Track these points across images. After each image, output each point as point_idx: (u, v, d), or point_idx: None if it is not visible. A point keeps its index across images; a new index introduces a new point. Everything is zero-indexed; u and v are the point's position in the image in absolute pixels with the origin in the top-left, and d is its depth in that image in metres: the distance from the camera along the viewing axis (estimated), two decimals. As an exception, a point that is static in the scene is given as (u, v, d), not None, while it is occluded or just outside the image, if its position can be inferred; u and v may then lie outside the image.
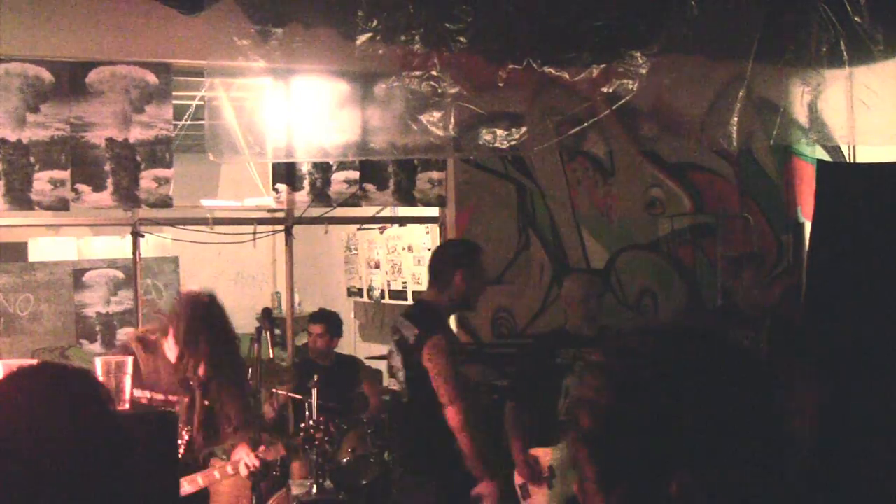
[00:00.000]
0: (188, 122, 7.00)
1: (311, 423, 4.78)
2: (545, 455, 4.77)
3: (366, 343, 9.70)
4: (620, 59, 5.55)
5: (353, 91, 6.11)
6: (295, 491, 5.33)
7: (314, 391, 5.35)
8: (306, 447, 4.72)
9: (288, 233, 6.45)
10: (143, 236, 6.01)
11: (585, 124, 5.91)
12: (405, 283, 8.40)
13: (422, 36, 5.34)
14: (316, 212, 6.47)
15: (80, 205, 5.70)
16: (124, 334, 5.83)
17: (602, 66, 5.62)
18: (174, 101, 5.99)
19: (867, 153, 6.72)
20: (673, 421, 1.19)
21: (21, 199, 5.56)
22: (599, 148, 6.71)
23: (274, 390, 5.92)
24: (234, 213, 6.88)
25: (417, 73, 5.63)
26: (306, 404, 5.50)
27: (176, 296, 4.22)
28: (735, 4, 5.57)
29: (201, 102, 6.33)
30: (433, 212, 6.87)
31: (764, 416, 1.22)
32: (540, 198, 6.78)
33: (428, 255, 7.91)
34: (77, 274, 6.31)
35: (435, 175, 6.62)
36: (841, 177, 6.45)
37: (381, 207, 6.92)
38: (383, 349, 8.32)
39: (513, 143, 5.81)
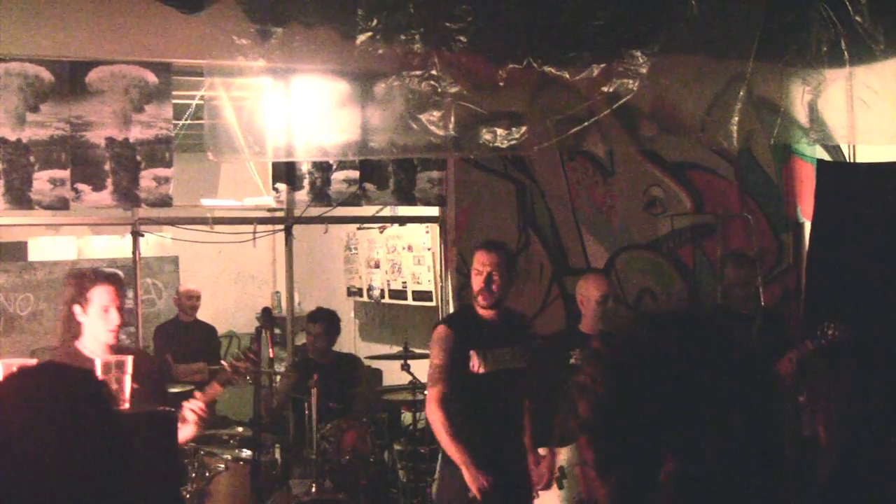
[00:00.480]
0: (188, 122, 7.00)
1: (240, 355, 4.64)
2: (554, 455, 4.74)
3: (366, 343, 9.70)
4: (621, 58, 5.56)
5: (353, 90, 6.11)
6: (295, 490, 5.33)
7: (314, 390, 5.34)
8: (236, 376, 4.63)
9: (288, 232, 6.45)
10: (142, 236, 6.01)
11: (585, 124, 5.91)
12: (405, 282, 8.40)
13: (422, 35, 5.34)
14: (316, 211, 6.47)
15: (79, 204, 5.70)
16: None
17: (602, 65, 5.62)
18: (174, 101, 5.99)
19: (867, 153, 6.72)
20: (665, 409, 1.20)
21: (21, 198, 5.56)
22: (599, 147, 6.71)
23: (274, 385, 5.92)
24: (233, 213, 6.88)
25: (417, 72, 5.63)
26: (306, 403, 5.50)
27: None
28: (735, 4, 5.57)
29: (201, 102, 6.33)
30: (433, 211, 6.87)
31: (757, 406, 1.23)
32: (540, 197, 6.78)
33: (427, 255, 7.96)
34: (77, 273, 6.32)
35: (435, 174, 6.62)
36: (841, 177, 6.46)
37: (380, 207, 6.92)
38: (383, 349, 8.34)
39: (513, 142, 5.81)
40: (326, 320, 6.58)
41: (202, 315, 8.08)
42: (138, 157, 5.77)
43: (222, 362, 4.55)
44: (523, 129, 5.82)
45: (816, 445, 5.35)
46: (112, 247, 8.04)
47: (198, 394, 4.20)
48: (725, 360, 1.24)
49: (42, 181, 5.58)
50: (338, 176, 6.40)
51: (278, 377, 6.17)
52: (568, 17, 5.41)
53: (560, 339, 5.14)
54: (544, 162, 6.72)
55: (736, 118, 5.83)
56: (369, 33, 5.33)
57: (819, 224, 6.38)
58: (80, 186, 5.66)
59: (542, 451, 4.75)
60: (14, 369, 1.78)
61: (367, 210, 6.95)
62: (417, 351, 6.72)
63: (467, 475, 4.42)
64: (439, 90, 5.63)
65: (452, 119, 5.66)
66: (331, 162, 6.30)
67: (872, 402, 5.62)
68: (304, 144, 5.96)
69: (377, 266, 8.96)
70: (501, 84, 5.78)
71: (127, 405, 3.46)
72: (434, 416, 4.56)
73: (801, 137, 6.38)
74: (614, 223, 6.97)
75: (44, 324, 6.11)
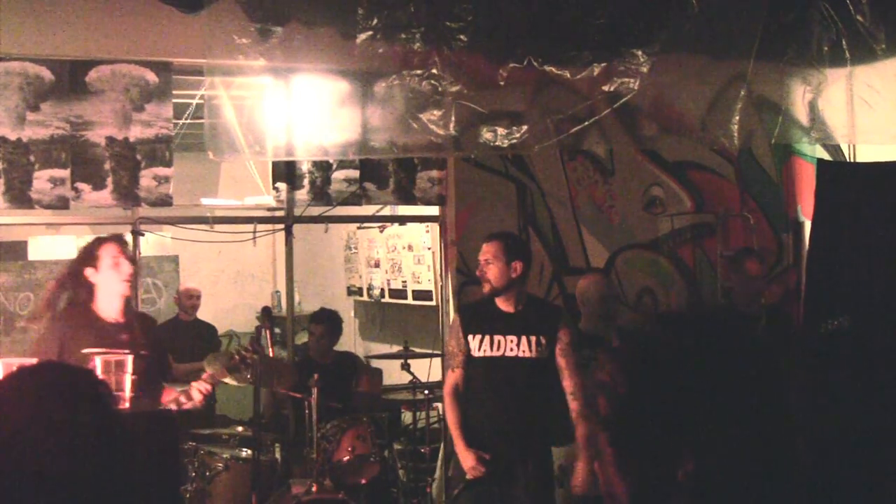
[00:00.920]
0: (188, 121, 7.00)
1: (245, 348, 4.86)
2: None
3: (366, 342, 9.70)
4: (621, 57, 5.55)
5: (354, 90, 6.10)
6: (295, 490, 5.33)
7: (314, 390, 5.34)
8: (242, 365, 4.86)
9: (288, 231, 6.44)
10: (142, 235, 6.01)
11: (586, 123, 5.90)
12: (405, 281, 8.40)
13: (422, 34, 5.33)
14: (316, 210, 6.47)
15: (79, 203, 5.69)
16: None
17: (603, 64, 5.62)
18: (174, 100, 5.99)
19: (867, 152, 6.71)
20: (683, 408, 1.20)
21: (21, 197, 5.56)
22: (600, 147, 6.71)
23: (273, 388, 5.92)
24: (234, 212, 6.87)
25: (418, 71, 5.62)
26: (306, 402, 5.50)
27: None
28: (736, 3, 5.56)
29: (201, 101, 6.32)
30: (433, 210, 6.87)
31: (772, 405, 1.23)
32: (540, 197, 6.78)
33: (428, 254, 7.96)
34: (77, 273, 6.31)
35: (435, 174, 6.62)
36: (841, 176, 6.45)
37: (381, 206, 6.91)
38: (383, 348, 8.34)
39: (513, 141, 5.81)
40: (329, 321, 6.58)
41: (202, 314, 8.08)
42: (138, 157, 5.77)
43: (231, 350, 4.79)
44: (524, 128, 5.82)
45: None
46: (112, 246, 8.02)
47: (205, 374, 4.57)
48: (741, 360, 1.24)
49: (42, 180, 5.57)
50: (338, 175, 6.40)
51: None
52: (568, 16, 5.40)
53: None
54: (544, 161, 6.71)
55: (736, 118, 5.83)
56: (370, 32, 5.32)
57: (819, 223, 6.37)
58: (80, 186, 5.65)
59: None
60: (14, 368, 1.78)
61: (368, 209, 6.94)
62: (417, 350, 6.72)
63: (458, 456, 4.58)
64: (440, 89, 5.63)
65: (453, 118, 5.66)
66: (331, 161, 6.29)
67: (871, 400, 5.62)
68: (305, 144, 5.95)
69: (377, 265, 8.96)
70: (502, 83, 5.77)
71: (127, 405, 3.47)
72: (444, 399, 4.89)
73: (801, 137, 6.38)
74: (614, 222, 6.97)
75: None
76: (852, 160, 6.95)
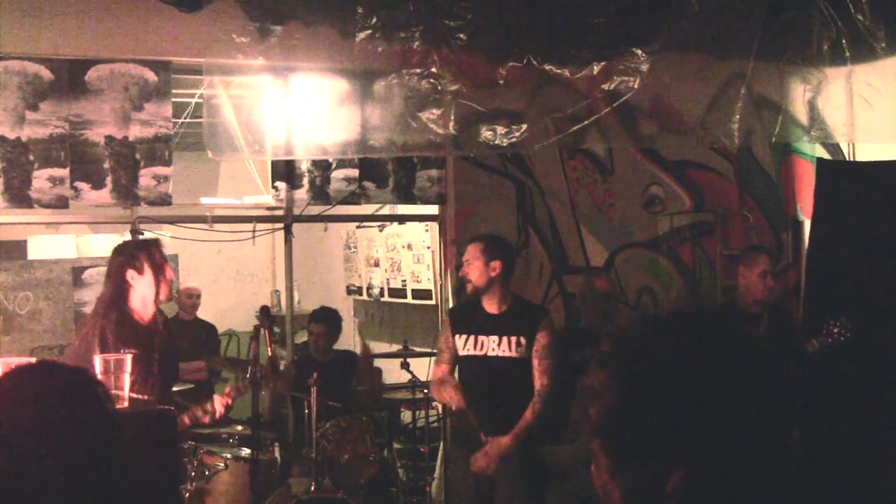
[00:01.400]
0: (187, 120, 6.99)
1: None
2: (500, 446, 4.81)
3: (365, 341, 9.69)
4: (621, 56, 5.54)
5: (353, 89, 6.10)
6: (294, 489, 5.33)
7: (314, 389, 5.34)
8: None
9: (287, 231, 6.44)
10: (142, 234, 5.99)
11: (585, 122, 5.90)
12: (404, 280, 8.40)
13: (421, 33, 5.33)
14: (315, 210, 6.47)
15: (79, 203, 5.69)
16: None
17: (602, 63, 5.61)
18: (173, 99, 5.98)
19: (867, 151, 6.71)
20: (674, 414, 1.19)
21: (20, 196, 5.55)
22: (599, 146, 6.70)
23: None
24: (233, 211, 6.87)
25: (417, 70, 5.61)
26: (305, 402, 5.50)
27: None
28: (736, 2, 5.56)
29: (200, 100, 6.32)
30: (432, 210, 6.86)
31: (767, 410, 1.22)
32: (539, 196, 6.78)
33: (427, 253, 7.95)
34: (76, 272, 6.31)
35: (434, 173, 6.62)
36: (840, 175, 6.45)
37: (380, 205, 6.91)
38: (383, 347, 8.33)
39: (512, 140, 5.80)
40: (329, 320, 6.58)
41: (202, 313, 8.08)
42: (137, 156, 5.76)
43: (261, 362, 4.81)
44: (523, 127, 5.81)
45: None
46: (111, 245, 8.00)
47: (227, 389, 4.70)
48: (736, 364, 1.23)
49: (41, 179, 5.57)
50: (337, 174, 6.39)
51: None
52: (568, 14, 5.40)
53: (559, 337, 5.17)
54: (544, 160, 6.71)
55: (736, 116, 5.82)
56: (369, 31, 5.32)
57: (819, 222, 6.38)
58: (80, 185, 5.65)
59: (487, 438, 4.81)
60: (13, 368, 1.77)
61: (367, 208, 6.94)
62: (417, 349, 6.72)
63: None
64: (439, 88, 5.62)
65: (452, 117, 5.65)
66: (330, 160, 6.29)
67: (870, 399, 5.62)
68: (304, 143, 5.95)
69: (377, 264, 8.96)
70: (501, 82, 5.77)
71: (126, 404, 3.46)
72: (431, 388, 5.21)
73: (801, 136, 6.37)
74: (614, 221, 6.97)
75: (43, 322, 6.10)
76: (852, 159, 6.95)
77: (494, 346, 4.88)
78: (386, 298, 8.88)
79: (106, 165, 5.69)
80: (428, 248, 7.89)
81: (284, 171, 6.31)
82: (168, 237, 7.20)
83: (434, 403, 6.10)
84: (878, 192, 6.15)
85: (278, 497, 5.25)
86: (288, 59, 5.74)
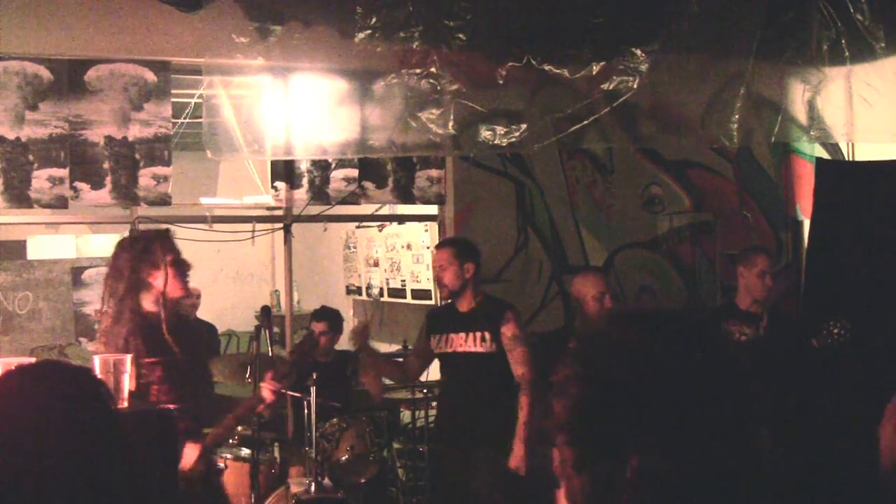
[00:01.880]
0: (187, 120, 6.99)
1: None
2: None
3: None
4: (620, 56, 5.54)
5: (352, 89, 6.10)
6: (293, 489, 5.32)
7: (313, 389, 5.33)
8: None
9: (287, 231, 6.44)
10: (141, 234, 6.00)
11: (585, 122, 5.90)
12: (404, 280, 8.40)
13: (421, 33, 5.32)
14: (315, 210, 6.47)
15: (78, 203, 5.69)
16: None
17: (602, 63, 5.61)
18: (173, 99, 5.99)
19: (866, 151, 6.72)
20: (634, 405, 1.21)
21: (20, 196, 5.55)
22: (599, 146, 6.71)
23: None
24: (232, 211, 6.87)
25: (416, 70, 5.61)
26: (305, 402, 5.49)
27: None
28: (736, 2, 5.56)
29: (200, 100, 6.32)
30: (432, 210, 6.87)
31: (727, 403, 1.24)
32: (539, 196, 6.78)
33: (426, 253, 7.95)
34: (76, 272, 6.30)
35: (434, 173, 6.62)
36: (840, 175, 6.46)
37: (379, 205, 6.91)
38: (382, 347, 8.32)
39: (512, 140, 5.80)
40: (330, 319, 6.57)
41: (201, 313, 8.07)
42: (137, 156, 5.77)
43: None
44: (523, 127, 5.81)
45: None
46: (111, 245, 7.99)
47: (268, 374, 4.42)
48: (696, 357, 1.25)
49: (41, 180, 5.57)
50: (337, 174, 6.40)
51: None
52: (567, 14, 5.40)
53: (558, 336, 5.23)
54: (543, 160, 6.72)
55: (736, 116, 5.82)
56: (368, 31, 5.32)
57: (818, 222, 6.38)
58: (79, 185, 5.65)
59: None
60: (14, 367, 1.78)
61: (367, 208, 6.94)
62: (417, 349, 6.71)
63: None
64: (438, 88, 5.62)
65: (452, 117, 5.65)
66: (330, 160, 6.29)
67: (870, 399, 5.62)
68: (304, 143, 5.95)
69: (376, 264, 8.96)
70: (501, 82, 5.77)
71: (125, 404, 3.46)
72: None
73: (801, 136, 6.37)
74: (613, 221, 6.97)
75: (43, 322, 6.10)
76: (851, 159, 6.95)
77: (462, 342, 5.11)
78: (385, 298, 8.88)
79: (105, 165, 5.70)
80: (427, 248, 7.89)
81: (284, 171, 6.31)
82: (167, 237, 7.21)
83: (434, 403, 6.10)
84: (877, 192, 6.16)
85: (278, 497, 5.24)
86: (287, 60, 5.75)
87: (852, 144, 6.83)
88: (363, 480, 5.58)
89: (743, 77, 5.81)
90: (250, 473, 4.96)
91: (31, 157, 5.55)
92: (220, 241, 6.26)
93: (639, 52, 5.48)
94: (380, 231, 8.69)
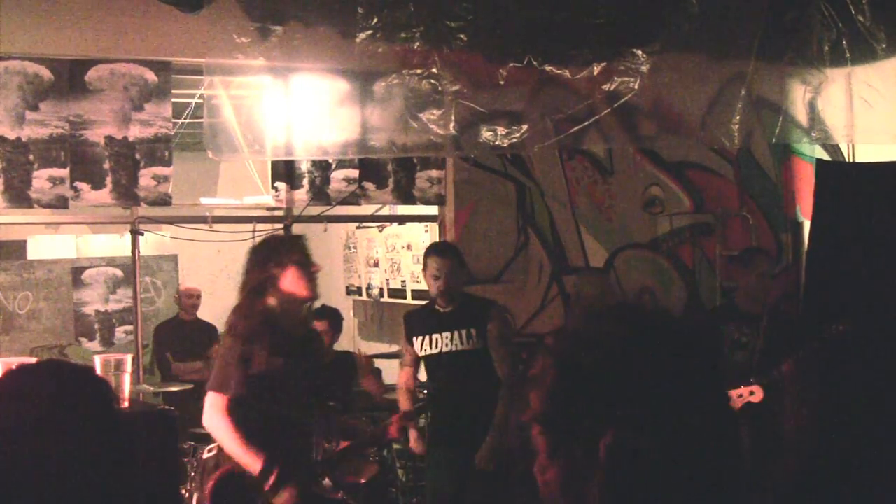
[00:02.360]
0: (187, 120, 6.99)
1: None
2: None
3: (365, 341, 9.69)
4: (621, 57, 5.55)
5: (353, 89, 6.10)
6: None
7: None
8: None
9: (287, 231, 6.44)
10: (142, 234, 6.00)
11: (585, 123, 5.90)
12: (404, 281, 8.40)
13: (422, 34, 5.33)
14: (315, 210, 6.46)
15: (79, 203, 5.69)
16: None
17: (603, 64, 5.62)
18: (173, 99, 5.98)
19: (866, 152, 6.72)
20: (603, 387, 1.24)
21: (20, 196, 5.55)
22: (599, 146, 6.71)
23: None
24: (233, 212, 6.86)
25: (417, 70, 5.62)
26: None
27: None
28: (736, 3, 5.57)
29: (200, 100, 6.32)
30: (432, 210, 6.86)
31: (698, 385, 1.27)
32: (539, 196, 6.78)
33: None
34: (76, 272, 6.32)
35: (434, 173, 6.62)
36: (840, 176, 6.46)
37: (380, 206, 6.91)
38: (382, 347, 8.33)
39: (513, 141, 5.81)
40: (330, 318, 6.57)
41: (202, 313, 8.07)
42: (137, 156, 5.76)
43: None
44: (523, 127, 5.82)
45: (777, 443, 5.36)
46: (111, 245, 8.02)
47: (396, 417, 4.72)
48: (667, 349, 1.28)
49: (41, 180, 5.57)
50: (337, 175, 6.39)
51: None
52: (568, 15, 5.40)
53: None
54: (544, 161, 6.72)
55: (736, 117, 5.83)
56: (369, 32, 5.32)
57: (818, 223, 6.38)
58: (80, 185, 5.65)
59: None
60: (16, 367, 1.77)
61: (367, 209, 6.94)
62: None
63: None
64: (439, 89, 5.63)
65: (452, 118, 5.66)
66: (330, 161, 6.29)
67: (870, 400, 5.62)
68: (304, 143, 5.95)
69: (376, 265, 8.96)
70: (501, 82, 5.77)
71: (126, 404, 3.46)
72: (398, 392, 5.38)
73: (801, 137, 6.38)
74: (613, 222, 6.97)
75: (43, 322, 6.11)
76: (851, 160, 6.95)
77: (448, 341, 5.08)
78: (385, 299, 8.88)
79: (106, 165, 5.69)
80: (428, 248, 7.88)
81: (284, 171, 6.31)
82: (168, 237, 7.21)
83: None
84: (877, 193, 6.16)
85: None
86: (288, 60, 5.74)
87: (853, 145, 6.82)
88: (363, 480, 5.58)
89: (744, 78, 5.82)
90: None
91: (31, 157, 5.55)
92: (220, 241, 6.26)
93: (639, 52, 5.49)
94: (380, 231, 8.69)
